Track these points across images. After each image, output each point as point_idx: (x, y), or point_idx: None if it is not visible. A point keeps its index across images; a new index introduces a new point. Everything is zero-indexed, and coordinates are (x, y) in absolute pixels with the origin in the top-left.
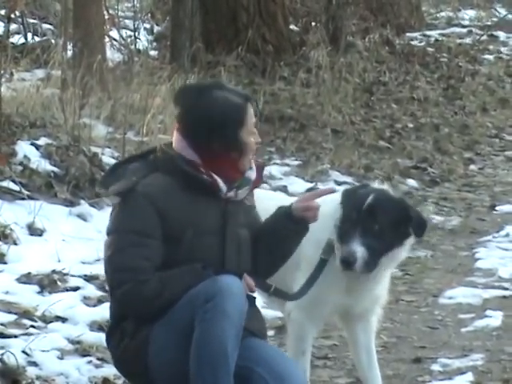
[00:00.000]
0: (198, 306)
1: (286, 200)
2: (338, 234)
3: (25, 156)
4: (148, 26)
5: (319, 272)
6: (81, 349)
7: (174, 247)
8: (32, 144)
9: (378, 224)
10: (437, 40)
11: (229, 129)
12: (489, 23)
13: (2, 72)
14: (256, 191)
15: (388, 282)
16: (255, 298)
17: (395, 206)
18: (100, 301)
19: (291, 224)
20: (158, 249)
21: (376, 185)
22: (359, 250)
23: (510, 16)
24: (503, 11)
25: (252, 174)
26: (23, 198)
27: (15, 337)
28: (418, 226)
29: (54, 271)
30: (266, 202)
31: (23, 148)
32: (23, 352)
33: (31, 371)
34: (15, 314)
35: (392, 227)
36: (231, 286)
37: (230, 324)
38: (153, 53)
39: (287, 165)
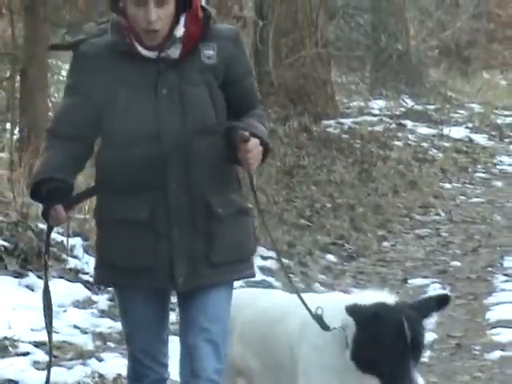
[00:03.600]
0: None
1: None
2: (372, 361)
3: None
4: None
5: None
6: None
7: (109, 115)
8: None
9: (423, 345)
10: (350, 127)
11: None
12: (397, 113)
13: None
14: None
15: None
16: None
17: (422, 319)
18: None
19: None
20: (83, 106)
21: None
22: (420, 381)
23: (416, 107)
24: (410, 102)
25: (179, 31)
26: None
27: None
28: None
29: (5, 338)
30: None
31: None
32: None
33: None
34: None
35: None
36: None
37: None
38: None
39: None
